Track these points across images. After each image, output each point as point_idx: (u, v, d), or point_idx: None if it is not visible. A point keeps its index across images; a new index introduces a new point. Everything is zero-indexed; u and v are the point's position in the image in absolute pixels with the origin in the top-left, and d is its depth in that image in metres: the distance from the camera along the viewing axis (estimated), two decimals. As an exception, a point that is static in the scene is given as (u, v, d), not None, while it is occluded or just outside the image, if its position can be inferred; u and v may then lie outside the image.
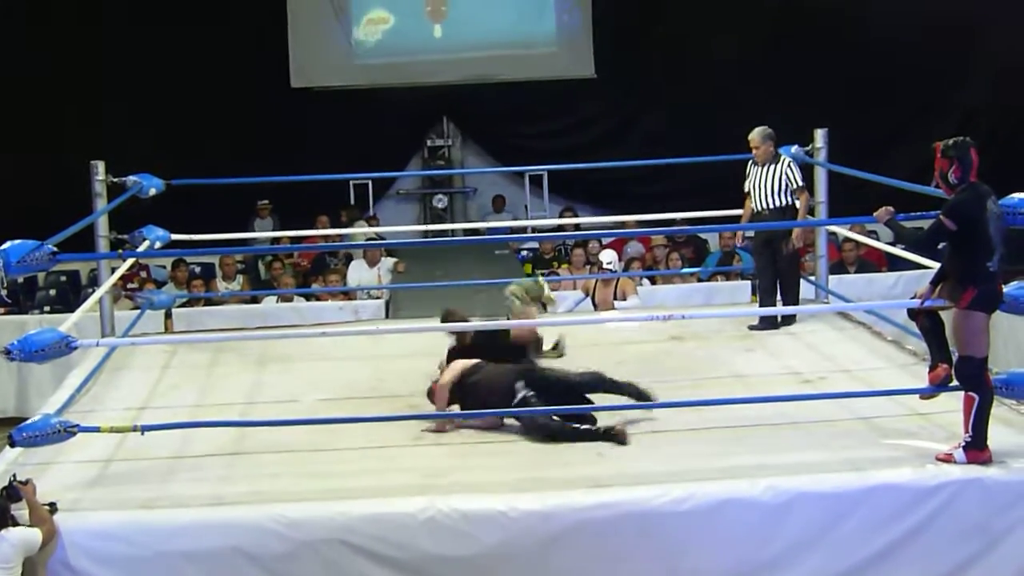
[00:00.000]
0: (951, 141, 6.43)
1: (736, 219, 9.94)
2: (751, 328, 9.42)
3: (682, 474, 6.39)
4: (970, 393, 6.43)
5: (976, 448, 6.40)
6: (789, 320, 9.48)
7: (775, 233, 9.43)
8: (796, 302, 9.54)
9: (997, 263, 6.35)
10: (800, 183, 9.42)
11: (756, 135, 9.50)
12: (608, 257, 11.90)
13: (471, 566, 6.13)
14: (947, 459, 6.43)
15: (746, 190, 9.58)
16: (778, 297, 9.54)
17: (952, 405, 6.78)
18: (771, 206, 9.41)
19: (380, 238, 14.42)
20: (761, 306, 9.63)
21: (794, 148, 9.87)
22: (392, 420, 7.27)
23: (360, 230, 15.30)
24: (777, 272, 9.53)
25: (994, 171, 7.07)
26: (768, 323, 9.40)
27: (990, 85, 17.42)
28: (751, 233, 10.24)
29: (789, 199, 9.43)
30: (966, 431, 6.42)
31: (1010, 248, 6.61)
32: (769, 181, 9.41)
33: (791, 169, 9.42)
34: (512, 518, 6.12)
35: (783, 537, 6.21)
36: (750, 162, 9.57)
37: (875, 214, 6.79)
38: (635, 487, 6.27)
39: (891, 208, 6.73)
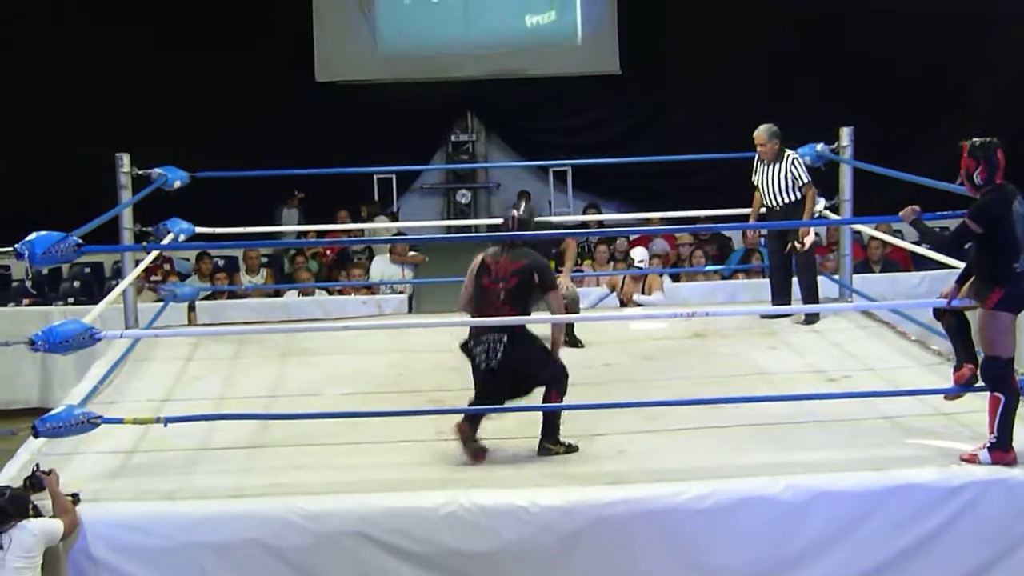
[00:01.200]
0: (978, 141, 6.38)
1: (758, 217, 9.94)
2: (763, 317, 9.46)
3: (703, 471, 6.38)
4: (996, 394, 6.39)
5: (1001, 449, 6.36)
6: (812, 319, 9.45)
7: (787, 230, 9.43)
8: (816, 300, 9.52)
9: None
10: (806, 179, 9.39)
11: (762, 133, 9.47)
12: (639, 255, 11.88)
13: (491, 561, 6.14)
14: (972, 459, 6.39)
15: (755, 183, 9.58)
16: (795, 294, 9.53)
17: (977, 405, 6.75)
18: (780, 203, 9.41)
19: (401, 233, 14.42)
20: (773, 302, 9.61)
21: (819, 146, 9.84)
22: (414, 415, 7.27)
23: (381, 225, 15.30)
24: (791, 270, 9.52)
25: (1019, 170, 7.02)
26: (808, 318, 9.43)
27: (1017, 83, 17.33)
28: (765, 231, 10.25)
29: (797, 195, 9.42)
30: (991, 432, 6.39)
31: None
32: (777, 179, 9.41)
33: (795, 166, 9.39)
34: (533, 513, 6.12)
35: (803, 535, 6.20)
36: (756, 158, 9.56)
37: (900, 213, 6.76)
38: (656, 484, 6.26)
39: (917, 207, 6.69)
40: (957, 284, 6.63)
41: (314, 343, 9.24)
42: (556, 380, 6.85)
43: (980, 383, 6.57)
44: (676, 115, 17.71)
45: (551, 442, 6.80)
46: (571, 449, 6.82)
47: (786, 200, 9.40)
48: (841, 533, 6.23)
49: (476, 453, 6.72)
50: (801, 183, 9.38)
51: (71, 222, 6.81)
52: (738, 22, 17.36)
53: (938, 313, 6.81)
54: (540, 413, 6.83)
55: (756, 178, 9.56)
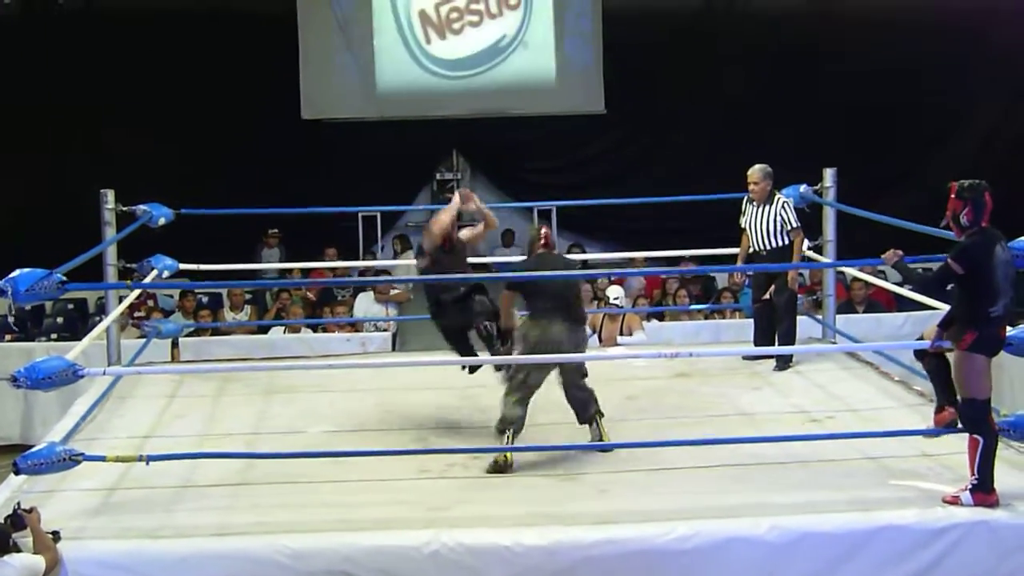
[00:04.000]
0: (967, 183, 6.39)
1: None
2: (745, 359, 9.46)
3: (687, 512, 6.37)
4: (975, 436, 6.40)
5: (983, 491, 6.37)
6: (785, 364, 9.45)
7: (774, 274, 9.44)
8: (792, 342, 9.51)
9: (1003, 308, 6.32)
10: (795, 224, 9.41)
11: (756, 172, 9.48)
12: (615, 293, 11.90)
13: (475, 601, 6.11)
14: (954, 501, 6.40)
15: (743, 226, 9.60)
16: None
17: (959, 446, 6.74)
18: (768, 247, 9.41)
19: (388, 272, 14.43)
20: (756, 344, 9.62)
21: (803, 187, 9.88)
22: (398, 454, 7.27)
23: (367, 264, 15.33)
24: (773, 311, 9.52)
25: (1006, 205, 7.07)
26: (781, 361, 9.42)
27: (1001, 115, 17.46)
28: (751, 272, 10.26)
29: (786, 239, 9.43)
30: (972, 473, 6.40)
31: (1020, 291, 6.60)
32: (765, 222, 9.41)
33: (786, 210, 9.41)
34: (517, 553, 6.10)
35: (788, 576, 6.19)
36: (746, 199, 9.56)
37: (883, 256, 6.77)
38: (640, 524, 6.25)
39: (899, 251, 6.71)
40: (940, 327, 6.65)
41: (298, 380, 9.24)
42: None
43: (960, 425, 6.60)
44: (662, 155, 17.77)
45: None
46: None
47: (775, 244, 9.40)
48: (825, 574, 6.21)
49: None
50: (790, 227, 9.39)
51: (55, 258, 6.80)
52: (723, 62, 17.46)
53: (919, 354, 6.84)
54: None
55: (744, 220, 9.56)
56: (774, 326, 9.52)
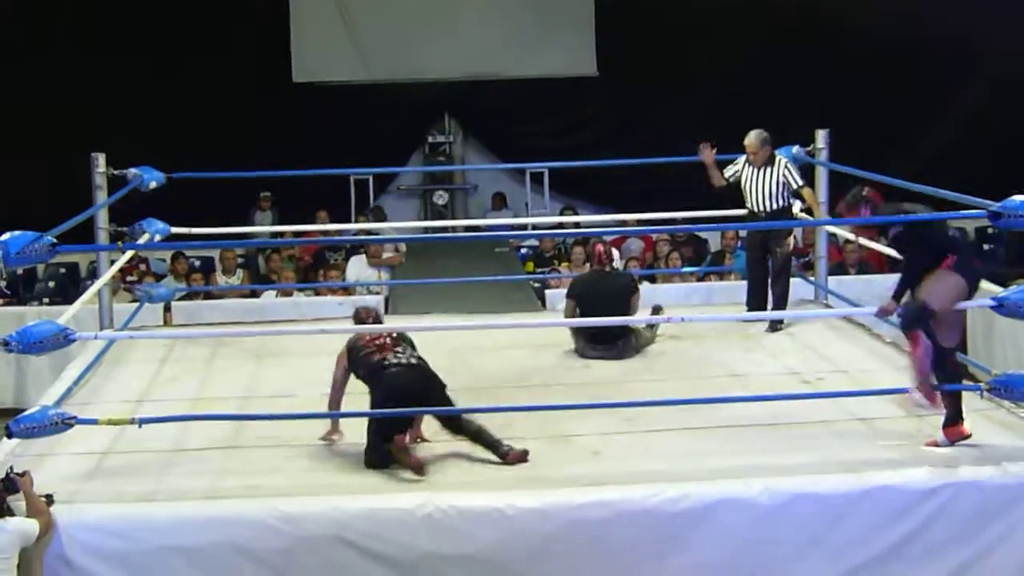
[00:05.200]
0: (848, 197, 6.92)
1: (736, 219, 9.95)
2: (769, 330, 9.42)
3: (678, 474, 6.39)
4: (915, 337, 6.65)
5: (952, 424, 6.69)
6: (777, 325, 9.44)
7: (770, 235, 9.41)
8: (784, 304, 9.50)
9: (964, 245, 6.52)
10: (799, 183, 9.39)
11: (753, 139, 9.41)
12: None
13: (468, 564, 6.13)
14: (933, 444, 6.69)
15: (727, 177, 9.54)
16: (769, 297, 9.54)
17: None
18: (768, 208, 9.38)
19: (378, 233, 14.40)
20: (749, 307, 9.62)
21: (795, 148, 9.86)
22: (390, 416, 7.25)
23: (359, 226, 15.31)
24: (767, 273, 9.51)
25: (997, 174, 7.08)
26: (774, 323, 9.40)
27: (991, 88, 17.41)
28: (744, 233, 10.22)
29: (786, 201, 9.42)
30: (916, 373, 6.72)
31: (1011, 252, 6.63)
32: (765, 184, 9.36)
33: (789, 171, 9.38)
34: (509, 516, 6.11)
35: (779, 538, 6.21)
36: (744, 161, 9.50)
37: (877, 310, 7.03)
38: (631, 486, 6.26)
39: (895, 304, 6.80)
40: (895, 299, 6.76)
41: (289, 344, 9.23)
42: None
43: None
44: (654, 117, 17.71)
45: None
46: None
47: (774, 206, 9.36)
48: (817, 536, 6.24)
49: (418, 467, 6.63)
50: (796, 186, 9.37)
51: (45, 223, 6.78)
52: (715, 24, 17.38)
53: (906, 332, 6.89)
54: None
55: (743, 180, 9.49)
56: (767, 287, 9.51)
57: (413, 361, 6.85)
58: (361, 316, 7.35)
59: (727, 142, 9.68)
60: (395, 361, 6.80)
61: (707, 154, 9.54)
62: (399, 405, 6.71)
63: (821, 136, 9.88)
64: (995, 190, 6.56)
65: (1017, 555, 6.32)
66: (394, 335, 7.03)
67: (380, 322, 7.50)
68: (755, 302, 9.58)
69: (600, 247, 9.24)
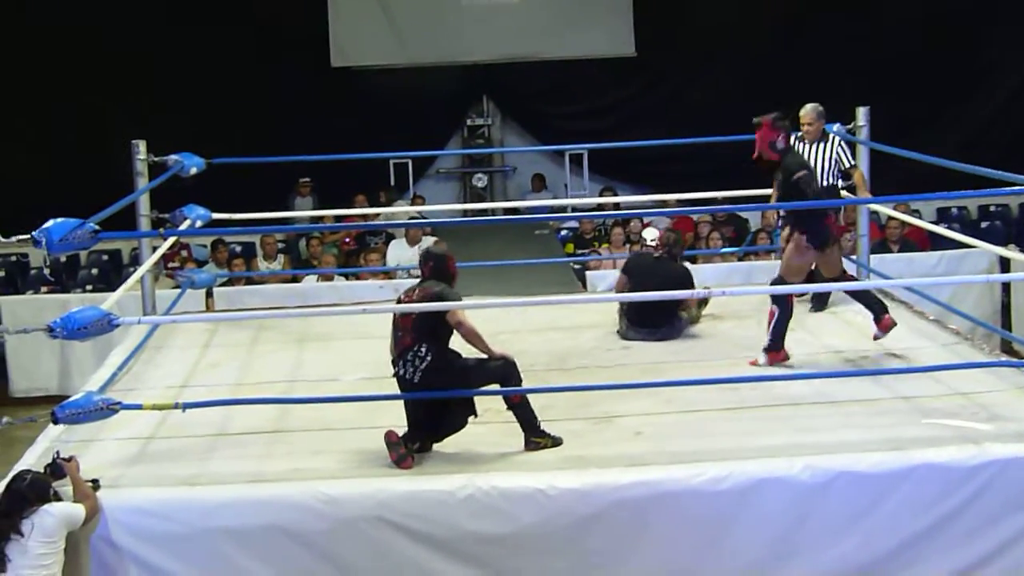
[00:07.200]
0: (777, 115, 7.79)
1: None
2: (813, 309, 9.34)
3: (720, 453, 6.38)
4: (774, 307, 7.77)
5: (774, 350, 7.82)
6: (823, 302, 9.35)
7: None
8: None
9: None
10: (851, 161, 9.31)
11: (809, 112, 9.29)
12: (651, 235, 11.82)
13: (509, 544, 6.15)
14: (754, 363, 7.78)
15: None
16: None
17: (993, 385, 6.77)
18: (819, 186, 9.29)
19: (421, 217, 14.39)
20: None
21: (836, 126, 9.77)
22: (432, 397, 7.27)
23: (400, 209, 15.33)
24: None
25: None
26: (818, 302, 9.31)
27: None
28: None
29: (835, 179, 9.31)
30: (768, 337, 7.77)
31: None
32: (817, 161, 9.21)
33: (843, 148, 9.28)
34: (550, 496, 6.12)
35: (821, 517, 6.19)
36: (795, 138, 9.40)
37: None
38: (672, 466, 6.27)
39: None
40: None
41: (332, 328, 9.26)
42: (503, 379, 6.77)
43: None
44: (692, 97, 17.63)
45: (535, 436, 6.71)
46: (557, 442, 6.72)
47: (825, 184, 9.16)
48: (860, 514, 6.22)
49: (402, 460, 6.54)
50: (846, 165, 9.28)
51: (88, 210, 6.82)
52: (754, 3, 17.29)
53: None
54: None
55: None
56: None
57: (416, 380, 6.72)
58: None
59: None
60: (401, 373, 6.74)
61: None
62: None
63: (862, 114, 9.75)
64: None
65: (1062, 532, 6.28)
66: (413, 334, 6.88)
67: None
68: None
69: (664, 233, 9.40)
